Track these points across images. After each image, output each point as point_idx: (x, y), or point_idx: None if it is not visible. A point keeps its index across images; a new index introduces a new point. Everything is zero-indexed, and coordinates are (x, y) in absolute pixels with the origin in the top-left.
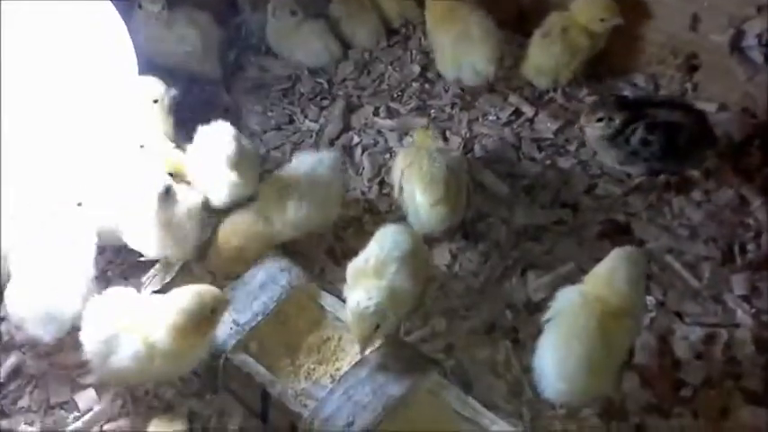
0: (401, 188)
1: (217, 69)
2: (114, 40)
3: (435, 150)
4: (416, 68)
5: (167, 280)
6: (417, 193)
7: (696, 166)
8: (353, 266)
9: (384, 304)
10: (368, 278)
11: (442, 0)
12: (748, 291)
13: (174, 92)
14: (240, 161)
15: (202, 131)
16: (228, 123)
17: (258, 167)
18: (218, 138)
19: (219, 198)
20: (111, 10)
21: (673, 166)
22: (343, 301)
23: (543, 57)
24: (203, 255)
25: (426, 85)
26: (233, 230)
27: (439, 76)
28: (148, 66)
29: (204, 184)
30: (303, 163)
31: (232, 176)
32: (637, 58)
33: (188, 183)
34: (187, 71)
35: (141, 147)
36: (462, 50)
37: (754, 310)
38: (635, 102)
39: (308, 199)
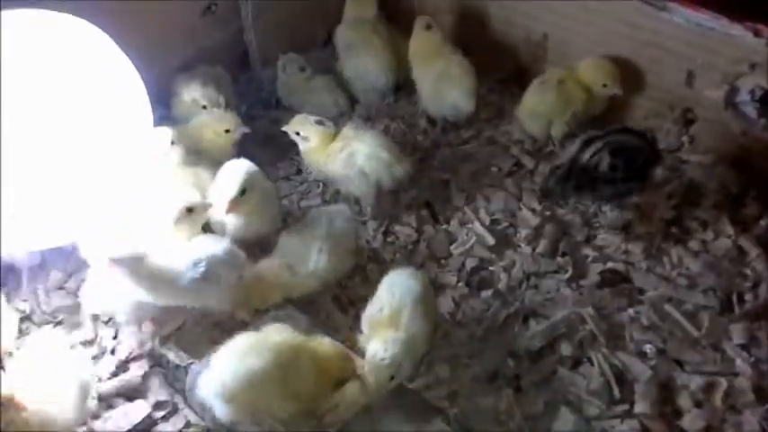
0: (363, 173)
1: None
2: (131, 93)
3: (360, 135)
4: (421, 122)
5: (174, 328)
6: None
7: (645, 183)
8: (368, 317)
9: (399, 356)
10: (384, 328)
11: (423, 39)
12: (747, 340)
13: (245, 129)
14: (247, 195)
15: (223, 168)
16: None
17: (276, 205)
18: (230, 172)
19: (237, 233)
20: (127, 63)
21: (633, 186)
22: (347, 347)
23: (537, 101)
24: None
25: (428, 138)
26: (259, 280)
27: (443, 129)
28: (162, 119)
29: (223, 219)
30: (322, 216)
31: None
32: (634, 112)
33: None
34: None
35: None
36: (443, 89)
37: (752, 359)
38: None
39: (328, 251)
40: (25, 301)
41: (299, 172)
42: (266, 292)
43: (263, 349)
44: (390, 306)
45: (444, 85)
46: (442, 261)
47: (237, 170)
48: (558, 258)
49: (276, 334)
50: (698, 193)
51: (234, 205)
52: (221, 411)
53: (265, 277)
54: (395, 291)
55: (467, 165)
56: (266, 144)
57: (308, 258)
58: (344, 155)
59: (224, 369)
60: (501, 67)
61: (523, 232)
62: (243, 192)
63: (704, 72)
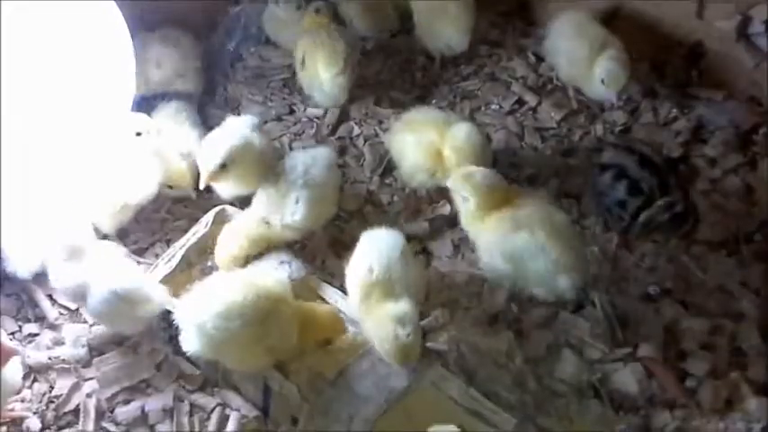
0: (303, 64)
1: (195, 86)
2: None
3: (333, 29)
4: (420, 58)
5: (169, 271)
6: (320, 68)
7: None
8: (360, 279)
9: (417, 324)
10: (379, 293)
11: None
12: (754, 281)
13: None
14: (231, 167)
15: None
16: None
17: (261, 164)
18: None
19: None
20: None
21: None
22: (344, 292)
23: None
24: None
25: (427, 75)
26: (235, 234)
27: (443, 65)
28: None
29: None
30: (299, 162)
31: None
32: (642, 46)
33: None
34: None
35: (138, 134)
36: (438, 23)
37: (759, 301)
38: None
39: (306, 201)
40: None
41: (292, 112)
42: (242, 246)
43: (245, 288)
44: (379, 263)
45: (439, 20)
46: (441, 203)
47: (225, 138)
48: (562, 199)
49: (265, 279)
50: (706, 129)
51: (213, 177)
52: (194, 342)
53: (240, 232)
54: (381, 246)
55: (466, 102)
56: (256, 82)
57: (285, 210)
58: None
59: (201, 298)
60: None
61: (526, 172)
62: (224, 165)
63: (716, 1)
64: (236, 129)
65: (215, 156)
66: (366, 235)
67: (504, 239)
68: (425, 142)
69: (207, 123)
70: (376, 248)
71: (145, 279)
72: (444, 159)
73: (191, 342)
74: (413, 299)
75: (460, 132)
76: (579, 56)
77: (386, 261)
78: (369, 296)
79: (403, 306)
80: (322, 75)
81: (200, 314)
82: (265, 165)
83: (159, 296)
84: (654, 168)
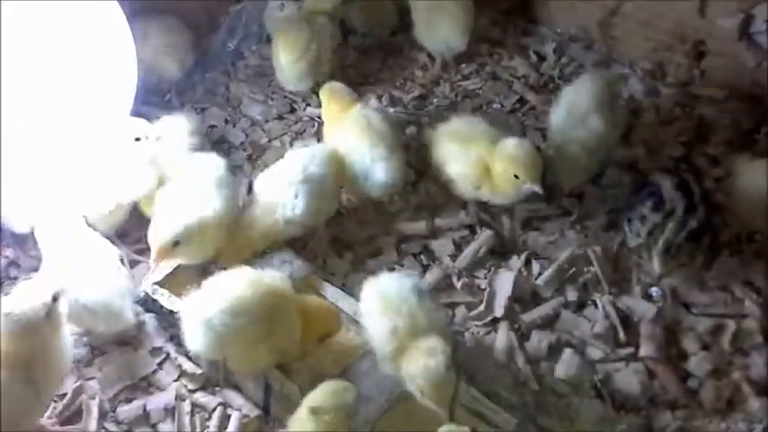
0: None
1: (176, 72)
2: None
3: (303, 19)
4: (420, 57)
5: (170, 270)
6: (282, 55)
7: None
8: (385, 342)
9: (449, 354)
10: (410, 339)
11: None
12: (756, 280)
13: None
14: (183, 246)
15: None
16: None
17: (220, 230)
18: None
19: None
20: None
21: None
22: (345, 291)
23: None
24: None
25: (428, 73)
26: (240, 227)
27: (444, 64)
28: None
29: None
30: (298, 158)
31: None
32: (643, 44)
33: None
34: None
35: (137, 139)
36: (436, 22)
37: (761, 300)
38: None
39: (303, 195)
40: (8, 247)
41: (293, 110)
42: (246, 242)
43: (251, 284)
44: (402, 318)
45: (437, 17)
46: (442, 203)
47: (180, 214)
48: (564, 198)
49: (269, 276)
50: (708, 129)
51: (162, 255)
52: (200, 341)
53: (245, 227)
54: (395, 302)
55: (468, 101)
56: (257, 81)
57: (285, 205)
58: None
59: (208, 295)
60: None
61: None
62: (176, 243)
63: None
64: (193, 207)
65: (166, 233)
66: (373, 287)
67: (339, 146)
68: (473, 154)
69: (207, 122)
70: (392, 305)
71: (119, 293)
72: (494, 174)
73: (196, 339)
74: (446, 338)
75: (510, 142)
76: None
77: (406, 312)
78: (402, 354)
79: (428, 342)
80: (282, 60)
81: (206, 310)
82: (226, 227)
83: (129, 312)
84: (687, 193)
